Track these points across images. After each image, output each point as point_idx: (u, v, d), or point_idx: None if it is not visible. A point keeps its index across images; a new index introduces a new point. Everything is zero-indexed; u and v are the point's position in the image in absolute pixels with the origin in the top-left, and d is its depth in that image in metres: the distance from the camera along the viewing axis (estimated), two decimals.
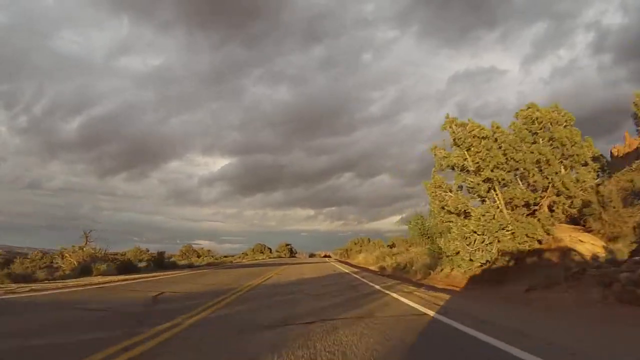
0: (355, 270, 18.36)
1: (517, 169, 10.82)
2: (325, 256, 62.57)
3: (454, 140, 11.13)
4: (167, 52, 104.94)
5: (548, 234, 10.29)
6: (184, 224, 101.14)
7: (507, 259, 10.03)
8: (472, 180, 10.54)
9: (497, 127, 11.43)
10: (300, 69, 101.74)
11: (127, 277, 12.30)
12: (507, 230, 10.01)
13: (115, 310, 5.64)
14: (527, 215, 10.67)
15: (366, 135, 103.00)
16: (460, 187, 11.26)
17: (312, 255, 68.38)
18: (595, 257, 9.40)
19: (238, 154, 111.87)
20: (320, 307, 5.70)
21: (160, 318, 4.83)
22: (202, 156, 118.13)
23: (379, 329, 4.05)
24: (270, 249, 68.81)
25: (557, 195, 10.73)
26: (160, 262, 19.93)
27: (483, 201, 10.86)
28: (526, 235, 9.93)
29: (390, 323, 4.41)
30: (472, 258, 9.90)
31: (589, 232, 10.64)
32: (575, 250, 9.74)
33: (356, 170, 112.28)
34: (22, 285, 9.18)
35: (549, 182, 10.47)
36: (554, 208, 11.01)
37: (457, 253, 10.69)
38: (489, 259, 10.17)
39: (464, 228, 9.78)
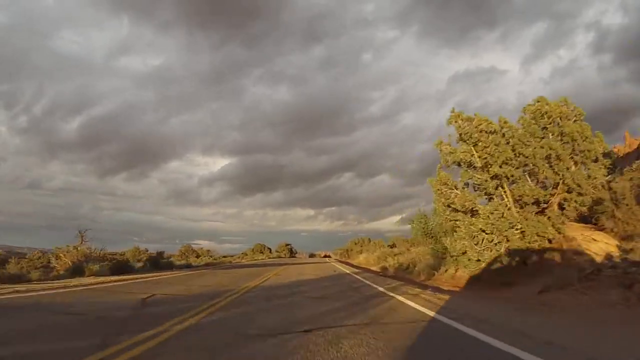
0: (357, 270, 17.90)
1: (526, 165, 10.37)
2: (325, 256, 62.10)
3: (460, 135, 10.68)
4: (167, 52, 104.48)
5: (559, 233, 9.84)
6: (184, 224, 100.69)
7: (516, 259, 9.58)
8: (479, 176, 10.09)
9: (505, 122, 10.98)
10: (300, 69, 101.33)
11: (120, 278, 11.84)
12: (516, 229, 9.56)
13: (98, 314, 5.19)
14: (536, 213, 10.22)
15: (366, 135, 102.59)
16: (467, 185, 10.81)
17: (312, 256, 67.91)
18: (609, 257, 8.96)
19: (238, 154, 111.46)
20: (321, 311, 5.24)
21: (145, 324, 4.39)
22: (202, 156, 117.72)
23: (388, 338, 3.59)
24: (270, 249, 68.35)
25: (568, 192, 10.27)
26: (156, 263, 19.42)
27: (490, 199, 10.41)
28: (536, 234, 9.48)
29: (400, 331, 3.95)
30: (480, 258, 9.45)
31: (601, 230, 10.19)
32: (588, 250, 9.30)
33: (356, 170, 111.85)
34: (7, 286, 8.71)
35: (560, 179, 10.02)
36: (564, 206, 10.56)
37: (464, 253, 10.25)
38: (498, 259, 9.73)
39: (472, 227, 9.32)
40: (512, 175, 9.76)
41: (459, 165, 10.49)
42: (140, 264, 20.12)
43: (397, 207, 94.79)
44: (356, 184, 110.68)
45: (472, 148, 10.11)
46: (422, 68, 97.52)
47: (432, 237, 14.12)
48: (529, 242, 9.45)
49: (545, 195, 10.26)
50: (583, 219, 10.95)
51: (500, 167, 9.67)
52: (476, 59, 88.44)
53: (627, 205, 9.56)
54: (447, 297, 7.20)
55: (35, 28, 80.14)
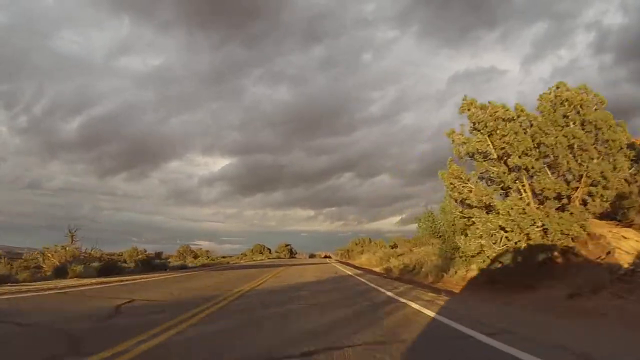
0: (359, 272, 16.97)
1: (547, 156, 9.46)
2: (325, 257, 61.19)
3: (474, 124, 9.78)
4: (167, 52, 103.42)
5: (584, 230, 8.93)
6: (184, 224, 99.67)
7: (538, 259, 8.67)
8: (496, 169, 9.18)
9: (522, 110, 10.07)
10: (300, 69, 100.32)
11: (105, 280, 10.92)
12: (538, 227, 8.65)
13: (54, 325, 4.29)
14: (556, 209, 9.32)
15: (366, 135, 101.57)
16: (481, 178, 9.92)
17: (312, 256, 66.97)
18: None
19: (238, 154, 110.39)
20: (323, 323, 4.33)
21: (103, 341, 3.51)
22: (202, 156, 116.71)
23: None
24: (269, 249, 67.38)
25: (593, 185, 9.36)
26: (149, 263, 18.49)
27: (507, 193, 9.51)
28: (560, 232, 8.57)
29: (429, 354, 3.05)
30: (499, 259, 8.54)
31: (628, 226, 9.32)
32: (619, 248, 8.40)
33: (356, 170, 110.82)
34: None
35: (585, 170, 9.10)
36: (587, 201, 9.66)
37: (479, 253, 9.34)
38: (517, 259, 8.82)
39: (489, 224, 8.40)
40: (533, 167, 8.85)
41: (472, 157, 9.59)
42: (132, 265, 19.17)
43: (397, 207, 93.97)
44: (356, 184, 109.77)
45: (488, 139, 9.21)
46: (422, 68, 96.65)
47: (439, 236, 13.18)
48: (552, 241, 8.55)
49: (568, 189, 9.36)
50: (604, 215, 10.07)
51: (520, 157, 8.76)
52: (476, 59, 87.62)
53: None
54: (467, 303, 6.30)
55: (35, 28, 79.34)
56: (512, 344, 3.25)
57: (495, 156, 9.31)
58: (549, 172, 9.64)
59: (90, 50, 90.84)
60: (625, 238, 8.63)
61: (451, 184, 9.22)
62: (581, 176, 9.39)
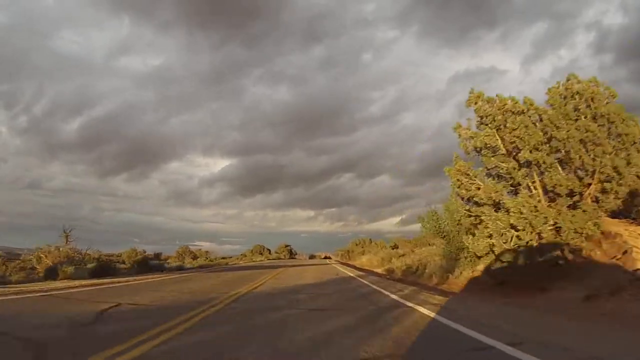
0: (361, 273, 16.50)
1: (558, 151, 9.01)
2: (325, 257, 60.69)
3: (482, 118, 9.34)
4: (167, 52, 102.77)
5: (597, 229, 8.49)
6: (184, 225, 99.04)
7: (550, 259, 8.21)
8: (505, 165, 8.73)
9: (531, 104, 9.62)
10: (300, 69, 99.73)
11: (96, 281, 10.47)
12: (550, 225, 8.20)
13: (24, 334, 3.85)
14: (567, 206, 8.87)
15: (366, 136, 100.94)
16: (489, 175, 9.48)
17: (312, 257, 66.46)
18: None
19: (238, 154, 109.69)
20: (324, 332, 3.88)
21: (73, 354, 3.07)
22: (203, 157, 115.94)
23: None
24: (269, 250, 66.85)
25: (607, 181, 8.91)
26: (145, 264, 18.03)
27: (516, 191, 9.06)
28: (574, 230, 8.12)
29: None
30: (510, 259, 8.09)
31: None
32: (637, 248, 7.96)
33: (356, 170, 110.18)
34: None
35: (598, 166, 8.66)
36: (599, 198, 9.21)
37: (487, 253, 8.89)
38: (527, 260, 8.37)
39: (499, 222, 7.95)
40: (544, 162, 8.40)
41: (480, 152, 9.14)
42: (127, 266, 18.72)
43: (397, 207, 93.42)
44: (356, 185, 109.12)
45: (496, 133, 8.77)
46: (422, 68, 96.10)
47: (444, 236, 12.72)
48: (565, 240, 8.10)
49: (581, 185, 8.91)
50: (616, 214, 9.63)
51: (531, 152, 8.31)
52: (476, 59, 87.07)
53: None
54: (481, 309, 5.84)
55: (35, 28, 78.85)
56: (529, 351, 2.81)
57: (504, 151, 8.87)
58: (559, 168, 9.20)
59: (90, 50, 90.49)
60: None
61: (458, 180, 8.77)
62: (594, 172, 8.95)
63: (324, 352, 3.03)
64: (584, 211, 8.57)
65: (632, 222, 9.19)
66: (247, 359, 2.85)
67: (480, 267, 10.18)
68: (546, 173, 8.77)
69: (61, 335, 3.90)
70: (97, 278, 12.48)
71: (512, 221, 7.60)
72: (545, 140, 8.64)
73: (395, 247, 31.31)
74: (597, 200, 9.16)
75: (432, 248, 18.98)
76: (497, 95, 9.58)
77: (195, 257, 40.51)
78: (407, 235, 30.95)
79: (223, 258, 46.39)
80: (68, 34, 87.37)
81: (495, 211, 8.46)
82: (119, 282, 10.63)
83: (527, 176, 8.65)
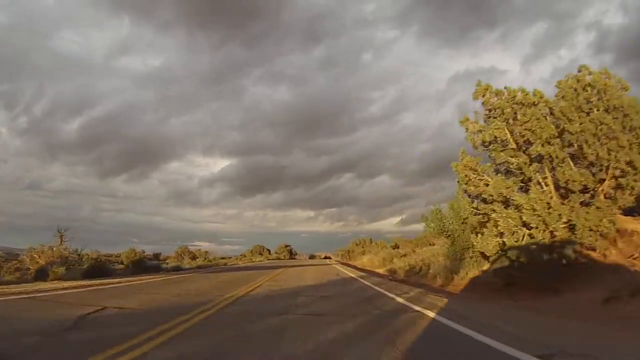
0: (362, 274, 16.04)
1: (571, 145, 8.58)
2: (325, 257, 60.23)
3: (489, 111, 8.91)
4: (167, 52, 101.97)
5: (613, 226, 8.06)
6: (184, 225, 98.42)
7: (563, 258, 7.78)
8: (515, 159, 8.30)
9: (541, 97, 9.19)
10: (300, 69, 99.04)
11: (86, 282, 10.03)
12: (563, 223, 7.77)
13: None
14: (580, 203, 8.44)
15: (366, 136, 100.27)
16: (497, 171, 9.05)
17: (312, 257, 65.98)
18: None
19: (238, 154, 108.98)
20: (326, 341, 3.44)
21: None
22: (203, 157, 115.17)
23: None
24: (269, 250, 66.36)
25: (621, 177, 8.47)
26: (140, 265, 17.59)
27: (526, 187, 8.63)
28: (589, 228, 7.69)
29: None
30: (521, 258, 7.65)
31: None
32: None
33: (356, 170, 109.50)
34: None
35: (613, 160, 8.21)
36: (612, 194, 8.77)
37: (497, 253, 8.45)
38: (537, 259, 7.93)
39: (510, 220, 7.51)
40: (557, 157, 7.97)
41: (489, 146, 8.71)
42: (122, 266, 18.28)
43: (397, 208, 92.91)
44: (356, 185, 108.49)
45: (506, 125, 8.34)
46: (422, 68, 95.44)
47: (448, 235, 12.28)
48: (580, 238, 7.67)
49: (594, 181, 8.48)
50: (630, 211, 9.20)
51: (543, 146, 7.88)
52: (476, 59, 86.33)
53: None
54: (496, 313, 5.39)
55: (35, 28, 78.15)
56: None
57: (515, 145, 8.43)
58: (571, 163, 8.77)
59: (90, 50, 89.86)
60: None
61: (466, 176, 8.33)
62: (607, 167, 8.52)
63: None
64: (597, 208, 8.15)
65: None
66: None
67: (486, 267, 9.75)
68: (558, 168, 8.34)
69: (32, 343, 3.48)
70: (90, 279, 12.03)
71: (525, 218, 7.16)
72: (557, 134, 8.22)
73: (395, 247, 30.87)
74: (610, 197, 8.74)
75: (434, 248, 18.56)
76: (505, 88, 9.17)
77: (194, 258, 40.10)
78: (408, 235, 30.55)
79: (222, 258, 45.94)
80: (68, 34, 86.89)
81: (505, 208, 8.03)
82: (110, 283, 10.19)
83: (538, 171, 8.22)
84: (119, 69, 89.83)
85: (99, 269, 14.60)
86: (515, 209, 8.00)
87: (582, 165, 8.77)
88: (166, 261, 32.92)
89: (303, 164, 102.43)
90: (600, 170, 8.61)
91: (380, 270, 18.95)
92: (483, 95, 9.05)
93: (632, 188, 8.35)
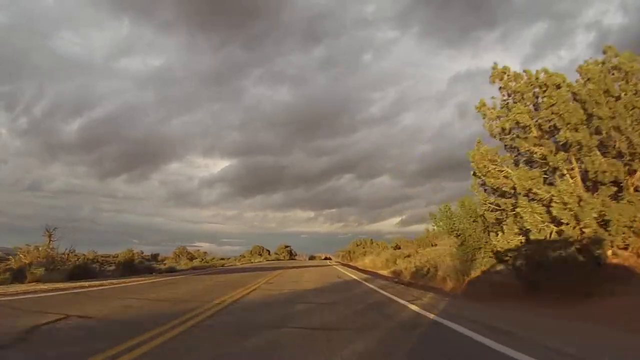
0: (365, 276, 15.15)
1: (599, 132, 7.71)
2: (325, 258, 59.36)
3: (509, 95, 8.06)
4: (168, 52, 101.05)
5: None
6: (184, 226, 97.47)
7: (595, 258, 6.91)
8: (539, 149, 7.43)
9: (563, 80, 8.32)
10: (300, 69, 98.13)
11: (63, 285, 9.14)
12: (595, 218, 6.90)
13: None
14: (609, 196, 7.57)
15: (366, 136, 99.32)
16: (516, 162, 8.19)
17: (312, 258, 65.10)
18: None
19: (238, 155, 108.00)
20: None
21: None
22: (203, 158, 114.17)
23: None
24: (268, 251, 65.49)
25: None
26: (130, 266, 16.71)
27: (549, 179, 7.76)
28: (624, 225, 6.82)
29: None
30: (547, 258, 6.77)
31: None
32: None
33: (356, 171, 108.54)
34: None
35: None
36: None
37: (517, 251, 7.58)
38: (566, 260, 7.06)
39: (536, 215, 6.64)
40: (587, 145, 7.10)
41: (509, 133, 7.85)
42: (112, 267, 17.40)
43: (397, 208, 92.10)
44: (356, 186, 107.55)
45: (529, 109, 7.48)
46: (422, 68, 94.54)
47: (458, 235, 11.39)
48: (615, 235, 6.81)
49: (625, 172, 7.62)
50: None
51: (571, 132, 7.02)
52: (476, 59, 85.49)
53: None
54: (532, 323, 4.51)
55: (35, 28, 77.19)
56: None
57: (536, 133, 7.56)
58: (598, 152, 7.91)
59: (90, 51, 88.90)
60: None
61: (484, 167, 7.45)
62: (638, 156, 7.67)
63: None
64: (629, 202, 7.30)
65: None
66: None
67: (500, 268, 8.90)
68: (586, 158, 7.47)
69: None
70: (73, 281, 11.16)
71: (555, 213, 6.28)
72: (587, 117, 7.36)
73: (397, 247, 30.05)
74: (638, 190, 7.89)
75: (437, 248, 17.71)
76: (525, 71, 8.31)
77: (192, 258, 39.26)
78: (408, 236, 29.79)
79: (221, 259, 45.10)
80: (68, 34, 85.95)
81: (529, 202, 7.17)
82: (92, 286, 9.31)
83: (564, 161, 7.36)
84: (119, 70, 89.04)
85: (84, 270, 13.72)
86: (539, 202, 7.14)
87: (610, 155, 7.92)
88: (164, 262, 32.10)
89: (303, 165, 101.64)
90: (632, 160, 7.76)
91: (384, 272, 18.08)
92: (500, 79, 8.19)
93: None
